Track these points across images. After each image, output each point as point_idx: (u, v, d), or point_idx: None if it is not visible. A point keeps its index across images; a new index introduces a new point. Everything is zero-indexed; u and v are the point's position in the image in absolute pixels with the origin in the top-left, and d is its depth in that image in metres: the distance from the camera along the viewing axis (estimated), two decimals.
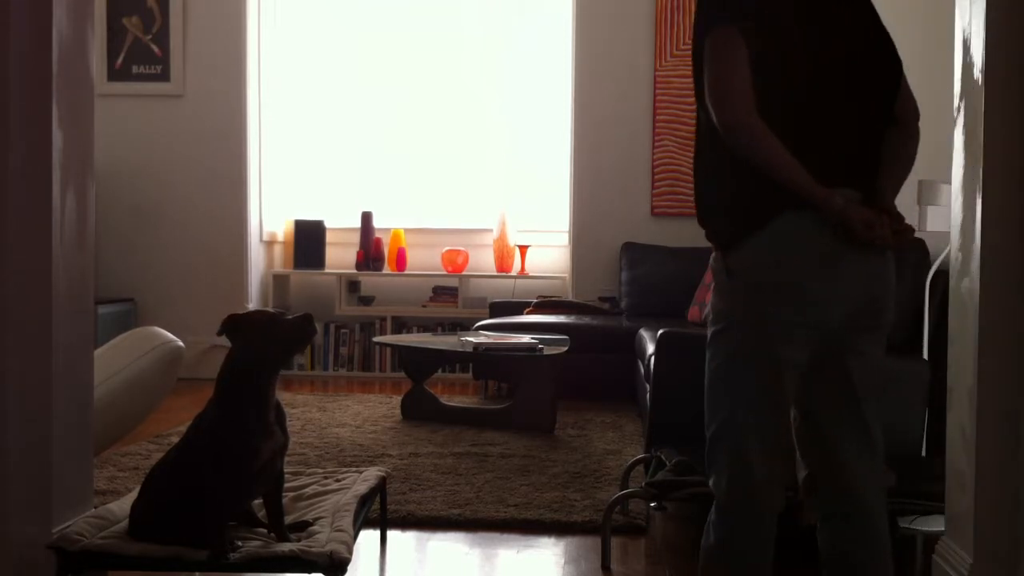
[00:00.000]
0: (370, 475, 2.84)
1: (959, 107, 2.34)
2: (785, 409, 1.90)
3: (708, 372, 1.94)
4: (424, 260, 6.79)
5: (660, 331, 3.50)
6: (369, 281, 6.78)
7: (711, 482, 1.95)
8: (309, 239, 6.69)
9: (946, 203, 2.79)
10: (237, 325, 2.31)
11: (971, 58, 2.27)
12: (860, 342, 1.90)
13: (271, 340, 2.29)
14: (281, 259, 6.90)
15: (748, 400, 1.86)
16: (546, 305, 6.11)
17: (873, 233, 1.77)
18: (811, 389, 1.91)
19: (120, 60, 6.42)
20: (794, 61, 1.82)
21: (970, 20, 2.28)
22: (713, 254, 1.94)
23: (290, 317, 2.34)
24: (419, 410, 4.92)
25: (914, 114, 1.95)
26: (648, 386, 3.91)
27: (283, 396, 5.63)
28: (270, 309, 2.35)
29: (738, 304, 1.86)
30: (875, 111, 1.90)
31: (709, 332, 1.93)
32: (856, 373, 1.90)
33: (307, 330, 2.32)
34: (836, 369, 1.90)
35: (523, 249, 6.56)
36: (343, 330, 6.65)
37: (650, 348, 4.13)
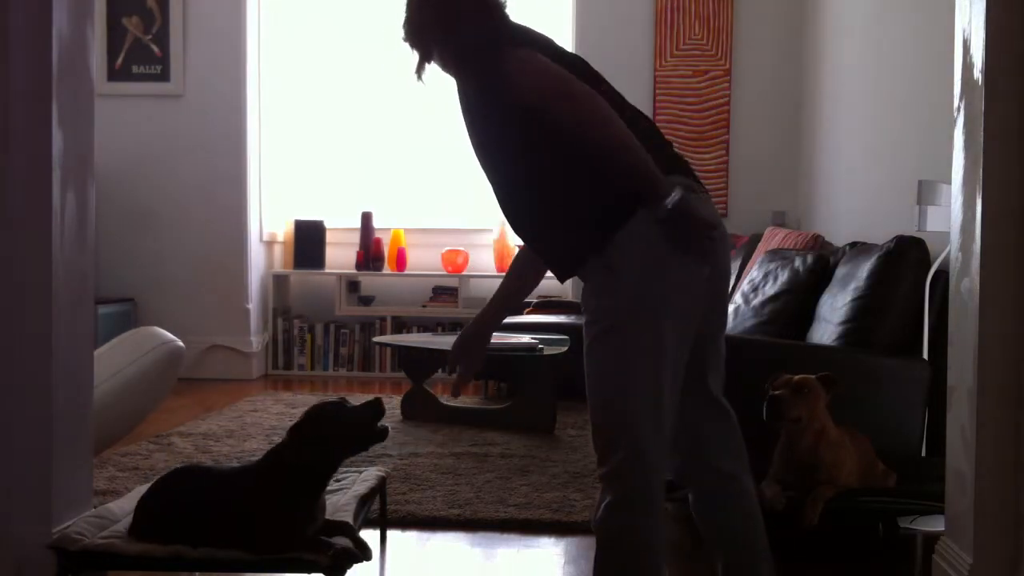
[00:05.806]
0: (370, 475, 2.84)
1: (959, 107, 2.34)
2: (676, 395, 1.88)
3: (597, 369, 1.87)
4: (424, 260, 6.79)
5: None
6: (369, 281, 6.78)
7: (605, 471, 1.86)
8: (309, 239, 6.69)
9: (946, 203, 2.78)
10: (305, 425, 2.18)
11: (971, 58, 2.27)
12: (721, 319, 2.01)
13: (337, 439, 2.18)
14: (281, 259, 6.90)
15: (645, 392, 1.82)
16: (546, 305, 6.11)
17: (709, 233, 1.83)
18: (688, 370, 1.92)
19: (120, 60, 6.42)
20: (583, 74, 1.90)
21: (970, 20, 2.28)
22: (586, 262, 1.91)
23: (356, 405, 2.23)
24: (419, 410, 4.92)
25: None
26: None
27: (284, 396, 5.63)
28: (334, 400, 2.24)
29: (627, 297, 1.82)
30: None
31: (593, 332, 1.86)
32: (722, 348, 2.02)
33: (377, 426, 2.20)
34: (713, 346, 1.98)
35: None
36: (343, 330, 6.65)
37: None
